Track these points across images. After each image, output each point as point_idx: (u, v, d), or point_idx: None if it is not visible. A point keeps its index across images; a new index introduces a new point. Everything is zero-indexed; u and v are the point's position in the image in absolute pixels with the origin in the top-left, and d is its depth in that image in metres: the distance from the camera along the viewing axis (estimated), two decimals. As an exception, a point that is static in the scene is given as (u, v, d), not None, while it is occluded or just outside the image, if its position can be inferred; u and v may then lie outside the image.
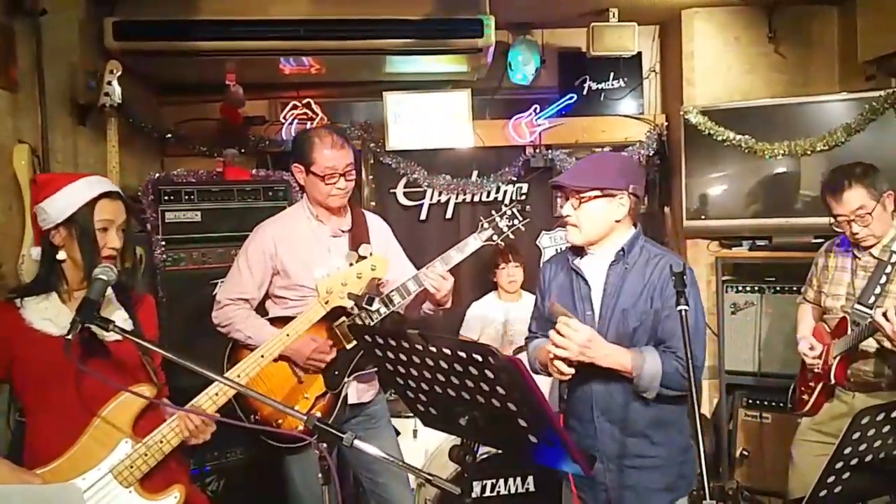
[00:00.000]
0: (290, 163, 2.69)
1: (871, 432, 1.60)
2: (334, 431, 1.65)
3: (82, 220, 1.86)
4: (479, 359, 1.53)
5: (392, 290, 2.56)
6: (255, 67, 3.95)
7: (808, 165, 3.96)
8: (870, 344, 2.61)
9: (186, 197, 3.65)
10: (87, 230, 1.86)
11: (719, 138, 4.06)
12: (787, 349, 3.73)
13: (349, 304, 2.34)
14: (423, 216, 4.53)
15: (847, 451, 1.60)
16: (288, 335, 2.27)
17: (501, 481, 3.34)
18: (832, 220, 2.72)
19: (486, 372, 1.54)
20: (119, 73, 3.20)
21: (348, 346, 2.55)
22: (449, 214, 4.55)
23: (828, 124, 3.86)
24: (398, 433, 3.46)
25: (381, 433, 2.77)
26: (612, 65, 4.57)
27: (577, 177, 2.15)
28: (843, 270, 2.79)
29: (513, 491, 3.36)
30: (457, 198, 4.53)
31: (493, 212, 2.62)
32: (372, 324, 2.51)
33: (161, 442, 1.87)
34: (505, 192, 4.56)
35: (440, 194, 4.51)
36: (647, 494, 2.12)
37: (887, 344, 2.46)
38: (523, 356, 3.42)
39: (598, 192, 2.11)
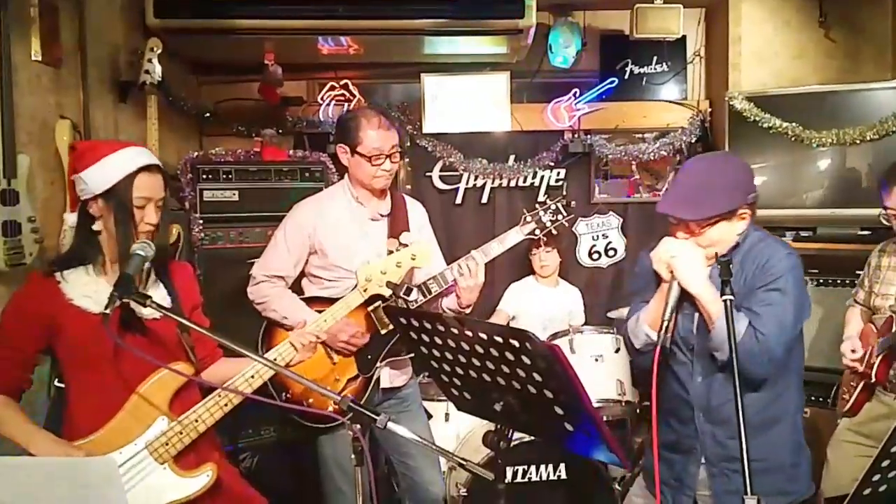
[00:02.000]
0: (333, 143, 2.70)
1: None
2: (368, 413, 1.66)
3: (121, 193, 1.84)
4: (516, 344, 1.51)
5: (430, 279, 2.55)
6: (293, 47, 3.94)
7: (856, 155, 3.84)
8: None
9: (224, 176, 3.68)
10: (125, 204, 1.84)
11: (765, 125, 3.95)
12: (829, 344, 3.61)
13: (387, 292, 2.34)
14: (458, 200, 4.50)
15: (885, 463, 1.55)
16: (325, 321, 2.28)
17: (533, 468, 3.32)
18: (882, 212, 2.67)
19: (523, 358, 1.52)
20: (159, 50, 3.22)
21: (382, 332, 2.54)
22: (485, 199, 4.51)
23: (878, 113, 3.73)
24: (430, 416, 3.47)
25: (413, 416, 2.77)
26: (655, 48, 4.48)
27: (696, 206, 1.88)
28: (894, 270, 2.74)
29: (545, 478, 3.33)
30: (493, 182, 4.48)
31: (538, 205, 2.60)
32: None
33: (196, 421, 1.87)
34: (542, 177, 4.50)
35: (476, 179, 4.47)
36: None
37: None
38: (562, 341, 3.47)
39: (719, 218, 1.91)
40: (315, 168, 3.83)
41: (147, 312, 1.86)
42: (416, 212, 2.81)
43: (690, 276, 1.87)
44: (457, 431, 3.49)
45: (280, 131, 4.21)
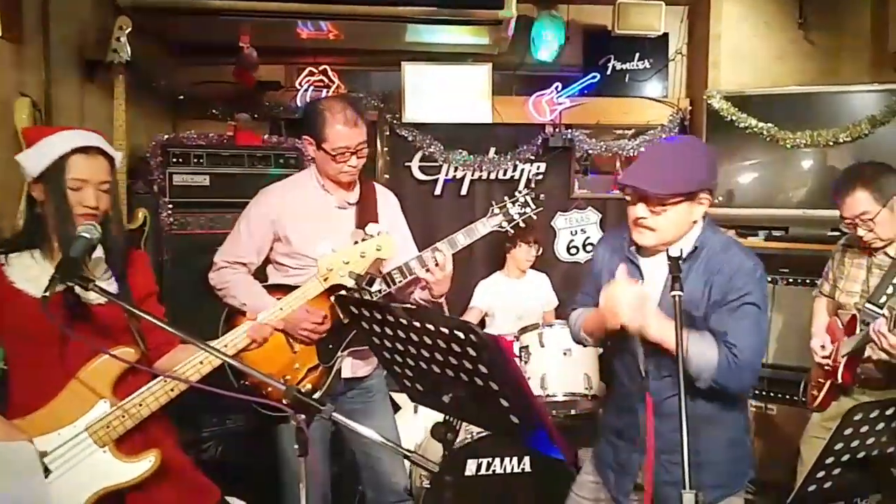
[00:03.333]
0: (301, 132, 2.63)
1: (864, 429, 1.57)
2: (312, 403, 1.64)
3: (54, 176, 1.80)
4: (462, 336, 1.50)
5: (395, 270, 2.51)
6: (271, 31, 3.88)
7: (831, 157, 3.87)
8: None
9: (195, 160, 3.63)
10: (57, 187, 1.80)
11: (741, 125, 3.98)
12: (798, 342, 3.64)
13: (350, 282, 2.28)
14: (437, 192, 4.47)
15: (838, 447, 1.57)
16: (282, 309, 2.24)
17: (497, 460, 3.30)
18: (841, 220, 2.68)
19: (469, 350, 1.51)
20: (129, 29, 3.16)
21: (345, 321, 2.51)
22: (464, 191, 4.49)
23: (854, 115, 3.76)
24: (399, 408, 3.45)
25: (376, 407, 2.74)
26: (637, 45, 4.48)
27: (661, 181, 1.87)
28: (858, 267, 2.74)
29: (509, 470, 3.32)
30: (473, 175, 4.46)
31: (506, 197, 2.55)
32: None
33: (140, 405, 1.84)
34: (522, 170, 4.48)
35: (456, 170, 4.44)
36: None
37: (884, 356, 2.40)
38: (531, 335, 3.49)
39: (682, 197, 1.89)
40: (290, 154, 3.78)
41: (93, 297, 1.83)
42: (387, 201, 2.75)
43: (648, 328, 1.85)
44: (426, 423, 3.47)
45: (256, 116, 4.17)
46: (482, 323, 4.07)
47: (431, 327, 1.57)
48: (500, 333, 3.91)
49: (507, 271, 4.09)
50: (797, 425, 3.09)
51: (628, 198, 1.97)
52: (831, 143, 3.79)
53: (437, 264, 2.43)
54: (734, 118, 3.98)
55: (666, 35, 4.46)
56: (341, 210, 2.60)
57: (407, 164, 4.43)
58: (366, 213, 2.58)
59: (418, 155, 4.41)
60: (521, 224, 2.55)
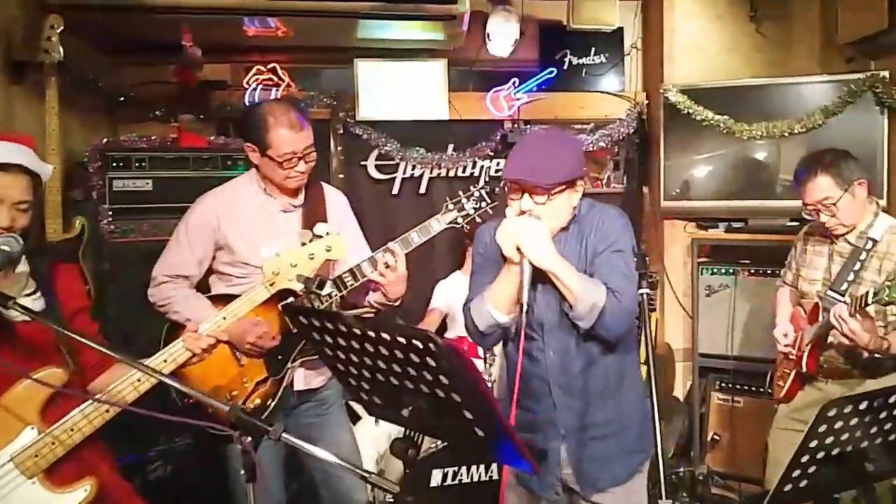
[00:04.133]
0: (241, 138, 2.53)
1: (839, 425, 1.53)
2: (259, 424, 1.54)
3: None
4: (420, 345, 1.41)
5: (346, 272, 2.40)
6: (215, 28, 3.73)
7: (787, 148, 3.90)
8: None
9: (137, 164, 3.50)
10: None
11: (698, 118, 3.97)
12: (761, 333, 3.68)
13: (298, 287, 2.17)
14: (395, 190, 4.37)
15: (813, 444, 1.54)
16: (224, 318, 2.10)
17: (464, 469, 3.22)
18: (803, 207, 2.67)
19: (428, 359, 1.42)
20: (60, 28, 2.96)
21: (295, 330, 2.38)
22: (423, 189, 4.40)
23: (806, 106, 3.80)
24: (359, 418, 3.33)
25: (333, 420, 2.62)
26: (593, 39, 4.45)
27: (545, 172, 1.90)
28: (820, 255, 2.75)
29: (475, 479, 3.25)
30: (431, 172, 4.37)
31: (460, 192, 2.47)
32: (321, 307, 2.34)
33: (71, 430, 1.70)
34: (482, 167, 4.41)
35: (413, 168, 4.35)
36: (610, 462, 2.03)
37: (846, 341, 2.43)
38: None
39: (564, 186, 1.94)
40: (238, 156, 3.65)
41: (15, 315, 1.67)
42: (336, 202, 2.64)
43: (541, 253, 1.87)
44: (388, 432, 3.37)
45: (202, 117, 4.01)
46: (443, 324, 3.97)
47: (387, 337, 1.47)
48: (461, 335, 3.83)
49: (466, 270, 3.99)
50: (764, 417, 3.09)
51: (511, 194, 1.98)
52: (786, 134, 3.82)
53: (388, 266, 2.33)
54: (691, 111, 3.98)
55: (621, 29, 4.44)
56: (286, 213, 2.49)
57: (363, 162, 4.32)
58: (313, 215, 2.47)
59: (374, 153, 4.31)
60: (478, 220, 2.47)
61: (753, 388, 3.85)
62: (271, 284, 2.16)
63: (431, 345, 1.39)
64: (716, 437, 3.98)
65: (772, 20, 4.24)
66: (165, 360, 1.94)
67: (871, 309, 2.37)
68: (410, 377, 1.51)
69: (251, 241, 2.41)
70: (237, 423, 1.52)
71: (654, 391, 1.67)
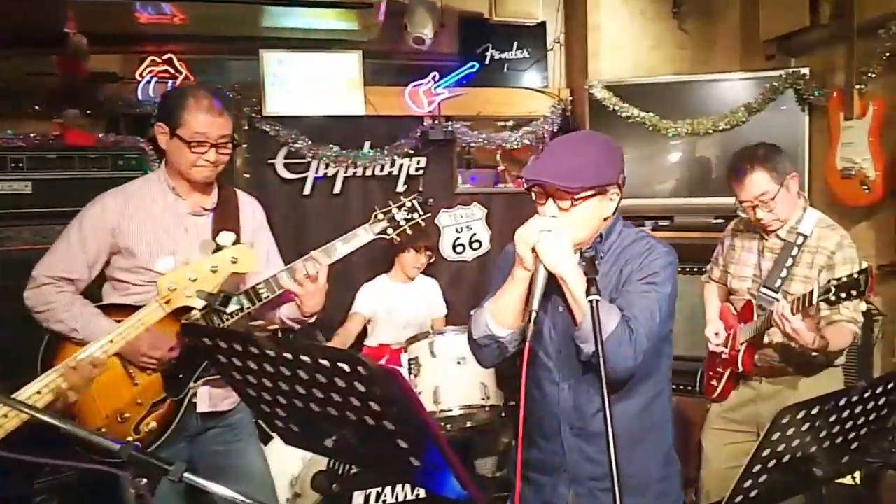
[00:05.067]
0: (153, 121, 2.31)
1: (791, 431, 1.47)
2: (156, 463, 1.33)
3: None
4: (347, 369, 1.23)
5: (260, 284, 2.18)
6: (103, 15, 3.49)
7: (711, 145, 3.90)
8: (776, 330, 2.52)
9: (13, 164, 3.21)
10: None
11: (624, 115, 3.94)
12: (687, 331, 3.59)
13: (199, 303, 1.94)
14: (306, 191, 4.08)
15: (766, 453, 1.47)
16: (112, 342, 1.82)
17: (388, 489, 3.01)
18: (737, 204, 2.61)
19: (356, 384, 1.24)
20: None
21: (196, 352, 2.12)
22: (337, 189, 4.12)
23: (730, 103, 3.82)
24: (270, 437, 3.06)
25: (244, 447, 2.36)
26: (515, 33, 4.36)
27: (568, 173, 1.70)
28: (749, 251, 2.70)
29: (401, 499, 3.04)
30: (346, 171, 4.11)
31: (391, 202, 2.32)
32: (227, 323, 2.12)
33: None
34: (401, 165, 4.19)
35: (327, 167, 4.08)
36: None
37: (783, 338, 2.40)
38: (421, 345, 3.20)
39: (592, 191, 1.72)
40: (130, 154, 3.40)
41: None
42: (251, 208, 2.43)
43: (557, 255, 1.64)
44: (303, 454, 3.09)
45: (89, 112, 3.64)
46: (364, 330, 3.75)
47: (307, 360, 1.28)
48: (383, 342, 3.62)
49: (394, 275, 3.80)
50: (695, 415, 3.05)
51: (537, 199, 1.77)
52: (711, 132, 3.83)
53: (309, 276, 2.15)
54: (616, 108, 3.94)
55: (543, 24, 4.37)
56: (196, 217, 2.26)
57: (270, 161, 4.02)
58: (225, 221, 2.27)
59: (283, 151, 4.01)
60: (408, 231, 2.32)
61: (682, 387, 3.74)
62: (167, 302, 1.90)
63: (360, 368, 1.20)
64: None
65: (694, 17, 4.25)
66: (39, 392, 1.64)
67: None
68: (334, 404, 1.33)
69: (154, 245, 2.18)
70: (130, 462, 1.32)
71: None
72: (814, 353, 2.40)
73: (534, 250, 1.65)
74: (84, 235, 2.16)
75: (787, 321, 2.29)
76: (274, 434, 2.85)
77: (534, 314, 1.60)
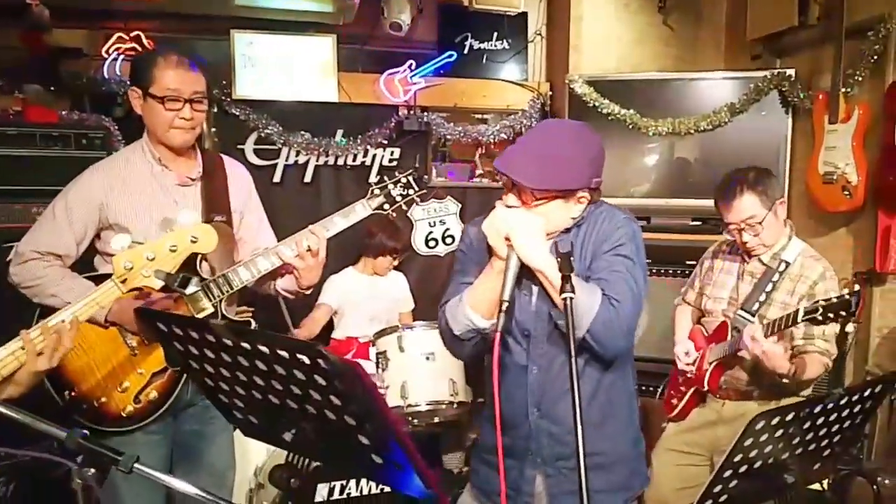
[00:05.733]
0: (127, 88, 2.28)
1: (764, 437, 1.46)
2: (107, 452, 1.31)
3: None
4: (307, 361, 1.17)
5: (259, 256, 2.16)
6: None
7: (691, 145, 3.85)
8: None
9: None
10: None
11: (604, 111, 3.87)
12: (660, 334, 3.60)
13: (157, 284, 1.85)
14: (276, 178, 3.97)
15: (738, 458, 1.46)
16: (63, 320, 1.72)
17: (353, 482, 2.95)
18: (723, 227, 2.57)
19: (316, 377, 1.19)
20: None
21: (198, 315, 2.09)
22: (308, 178, 4.02)
23: (712, 103, 3.77)
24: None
25: (217, 432, 2.31)
26: (495, 23, 4.26)
27: (535, 171, 1.65)
28: (728, 273, 2.66)
29: (365, 492, 3.00)
30: (317, 160, 4.01)
31: (386, 178, 2.35)
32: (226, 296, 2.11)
33: None
34: (374, 156, 4.09)
35: (298, 154, 3.97)
36: (593, 498, 1.74)
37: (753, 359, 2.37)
38: (390, 339, 3.13)
39: (554, 194, 1.68)
40: (95, 133, 3.31)
41: None
42: (239, 176, 2.40)
43: (532, 247, 1.63)
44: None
45: (53, 88, 3.49)
46: (330, 321, 3.67)
47: (266, 350, 1.22)
48: (351, 335, 3.54)
49: (362, 267, 3.72)
50: (658, 419, 2.98)
51: (504, 186, 1.73)
52: (692, 131, 3.77)
53: (310, 249, 2.15)
54: (597, 104, 3.87)
55: (525, 14, 4.28)
56: (184, 188, 2.24)
57: (240, 146, 3.89)
58: (214, 191, 2.29)
59: (253, 136, 3.90)
60: (404, 207, 2.36)
61: (652, 388, 3.70)
62: (123, 281, 1.80)
63: (321, 360, 1.15)
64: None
65: (680, 13, 4.19)
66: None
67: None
68: (294, 396, 1.28)
69: (146, 218, 2.17)
70: (79, 451, 1.30)
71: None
72: (784, 380, 2.36)
73: (507, 239, 1.63)
74: (70, 212, 2.12)
75: (757, 343, 2.27)
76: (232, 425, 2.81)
77: (506, 303, 1.58)
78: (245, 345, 1.24)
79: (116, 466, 1.28)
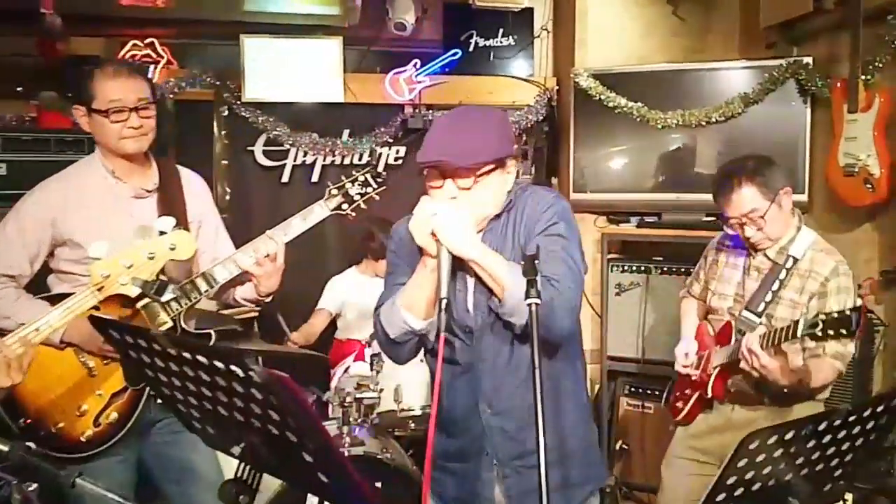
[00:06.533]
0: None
1: (761, 458, 1.34)
2: (48, 467, 1.33)
3: None
4: (239, 372, 1.15)
5: (217, 266, 2.14)
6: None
7: (704, 138, 3.74)
8: None
9: None
10: None
11: (610, 104, 3.78)
12: (671, 334, 3.49)
13: (134, 292, 1.86)
14: (285, 178, 4.07)
15: (731, 480, 1.35)
16: (38, 330, 1.75)
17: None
18: (724, 221, 2.42)
19: (253, 390, 1.16)
20: None
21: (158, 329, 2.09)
22: (315, 178, 4.10)
23: (725, 93, 3.63)
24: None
25: (193, 439, 2.29)
26: (501, 20, 4.23)
27: (467, 151, 1.62)
28: (734, 268, 2.50)
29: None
30: (325, 159, 4.08)
31: (343, 177, 2.30)
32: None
33: None
34: (380, 154, 4.14)
35: (305, 155, 4.06)
36: (552, 495, 1.69)
37: (755, 373, 2.23)
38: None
39: (493, 166, 1.66)
40: None
41: None
42: (194, 185, 2.38)
43: (459, 238, 1.59)
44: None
45: (69, 95, 3.57)
46: (332, 325, 3.70)
47: (203, 360, 1.21)
48: (353, 338, 3.56)
49: (363, 268, 3.74)
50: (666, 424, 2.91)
51: (431, 181, 1.69)
52: (703, 123, 3.64)
53: (268, 255, 2.11)
54: (603, 97, 3.78)
55: (530, 10, 4.24)
56: (139, 200, 2.21)
57: (249, 148, 4.02)
58: (169, 203, 2.23)
59: (262, 138, 4.00)
60: (363, 206, 2.30)
61: (658, 392, 3.63)
62: (100, 289, 1.83)
63: (251, 372, 1.13)
64: (624, 446, 3.79)
65: (690, 3, 4.06)
66: None
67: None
68: (238, 408, 1.25)
69: (100, 234, 2.08)
70: (20, 465, 1.30)
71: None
72: (786, 388, 2.24)
73: (433, 235, 1.59)
74: (22, 230, 2.10)
75: (755, 357, 2.15)
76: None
77: (444, 300, 1.54)
78: (186, 354, 1.23)
79: (58, 480, 1.28)
